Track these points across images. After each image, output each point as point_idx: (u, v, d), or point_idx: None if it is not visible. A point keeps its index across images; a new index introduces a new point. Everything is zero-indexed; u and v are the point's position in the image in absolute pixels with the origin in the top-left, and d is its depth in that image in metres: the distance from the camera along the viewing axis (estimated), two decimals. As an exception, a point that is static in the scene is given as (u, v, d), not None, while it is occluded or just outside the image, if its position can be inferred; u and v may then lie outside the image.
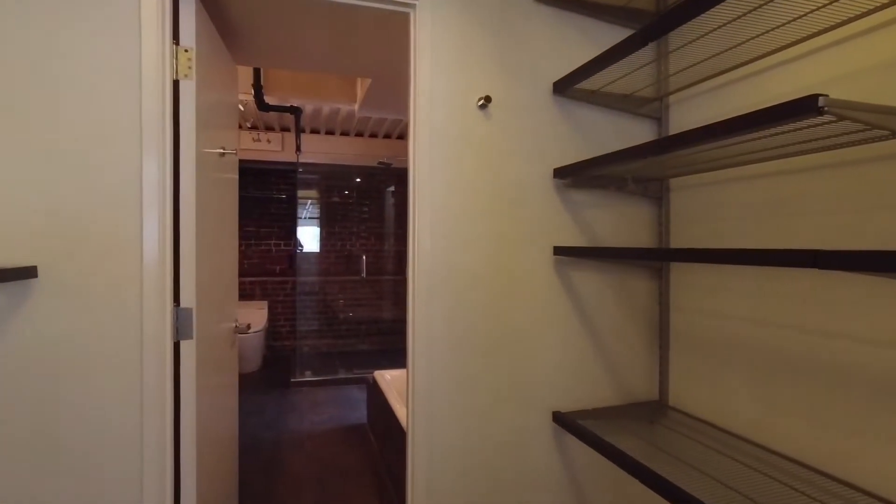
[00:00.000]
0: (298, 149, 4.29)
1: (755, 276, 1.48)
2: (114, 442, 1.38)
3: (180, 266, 1.50)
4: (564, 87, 1.70)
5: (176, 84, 1.46)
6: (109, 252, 1.37)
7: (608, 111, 1.80)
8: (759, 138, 1.15)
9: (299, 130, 3.62)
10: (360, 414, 3.81)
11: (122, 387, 1.38)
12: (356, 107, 3.35)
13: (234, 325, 2.13)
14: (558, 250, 1.71)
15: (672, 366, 1.81)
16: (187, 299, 1.50)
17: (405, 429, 2.39)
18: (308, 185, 5.56)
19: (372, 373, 3.53)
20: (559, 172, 1.70)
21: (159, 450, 1.41)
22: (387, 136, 5.43)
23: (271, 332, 5.40)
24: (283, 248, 5.51)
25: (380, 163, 5.14)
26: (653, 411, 1.78)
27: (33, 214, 1.31)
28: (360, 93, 3.22)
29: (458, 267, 1.65)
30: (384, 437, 2.98)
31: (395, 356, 4.96)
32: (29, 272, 1.27)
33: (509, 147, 1.69)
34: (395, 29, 1.77)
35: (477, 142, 1.66)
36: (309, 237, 5.61)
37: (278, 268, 5.48)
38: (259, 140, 4.86)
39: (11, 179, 1.29)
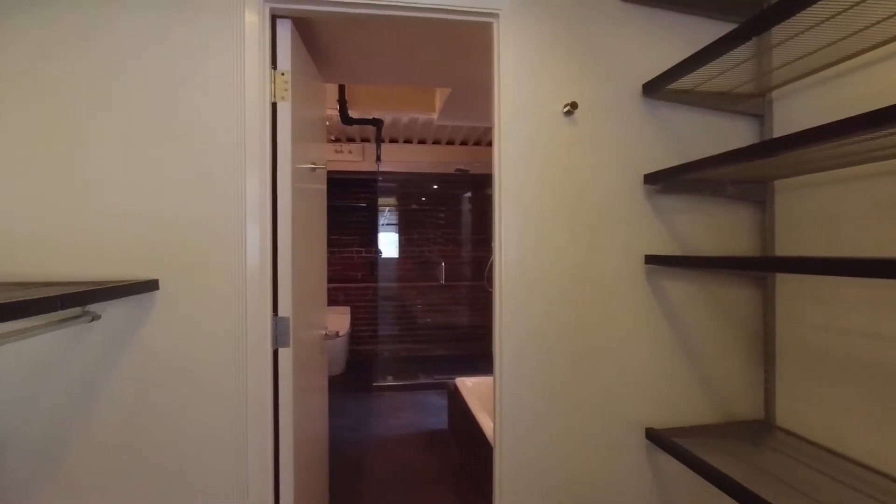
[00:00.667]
0: (378, 158, 4.43)
1: (872, 285, 1.33)
2: (222, 444, 1.48)
3: (278, 277, 1.58)
4: (655, 89, 1.62)
5: (273, 106, 1.56)
6: (216, 265, 1.47)
7: (702, 111, 1.70)
8: (889, 135, 1.04)
9: (380, 141, 3.73)
10: (438, 420, 3.84)
11: (229, 390, 1.48)
12: (435, 116, 3.41)
13: (323, 332, 2.23)
14: (650, 259, 1.64)
15: (779, 382, 1.67)
16: (284, 309, 1.59)
17: (490, 440, 2.39)
18: (387, 193, 5.71)
19: (452, 379, 3.56)
20: (650, 178, 1.63)
21: (262, 449, 1.50)
22: (463, 143, 5.47)
23: (354, 336, 5.59)
24: (363, 255, 5.70)
25: (457, 170, 5.18)
26: (757, 432, 1.65)
27: (152, 232, 1.44)
28: (438, 102, 3.27)
29: (546, 276, 1.63)
30: (465, 444, 2.99)
31: (474, 362, 4.97)
32: (151, 285, 1.39)
33: (597, 153, 1.64)
34: (477, 39, 1.78)
35: (563, 148, 1.63)
36: (388, 244, 5.76)
37: (359, 274, 5.68)
38: (341, 151, 5.07)
39: (134, 203, 1.43)
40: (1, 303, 0.81)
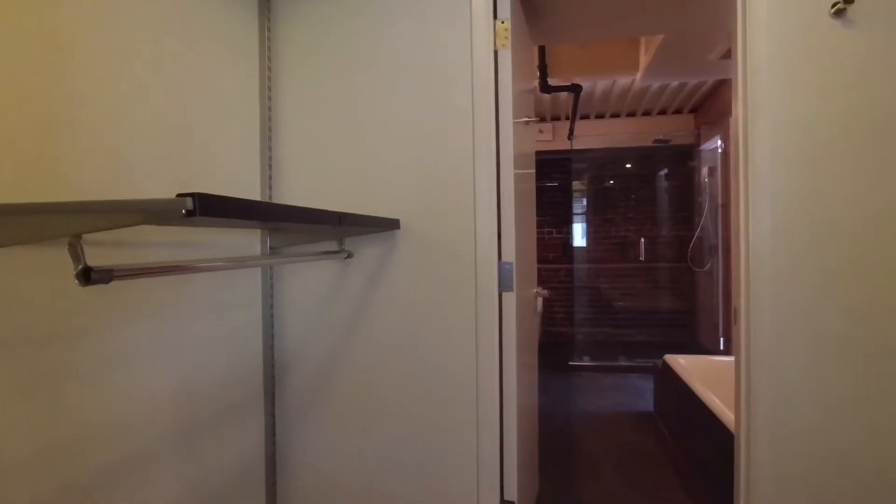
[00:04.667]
0: (571, 132, 4.32)
1: None
2: (460, 372, 1.58)
3: (501, 223, 1.62)
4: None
5: (496, 54, 1.60)
6: (449, 210, 1.57)
7: None
8: None
9: (576, 112, 3.63)
10: (645, 402, 3.60)
11: (463, 328, 1.57)
12: (638, 75, 3.19)
13: (535, 290, 2.24)
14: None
15: None
16: (508, 255, 1.62)
17: (719, 417, 2.15)
18: (580, 172, 5.56)
19: (655, 362, 3.31)
20: (962, 83, 1.27)
21: (490, 384, 1.57)
22: (662, 113, 5.05)
23: (547, 317, 5.57)
24: (555, 235, 5.63)
25: (656, 140, 4.81)
26: None
27: (396, 179, 1.59)
28: (643, 59, 3.06)
29: (808, 195, 1.38)
30: (681, 424, 2.75)
31: (677, 349, 4.55)
32: (395, 224, 1.55)
33: (881, 64, 1.34)
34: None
35: (831, 64, 1.37)
36: (580, 224, 5.61)
37: (551, 255, 5.63)
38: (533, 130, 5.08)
39: (387, 154, 1.60)
40: (302, 210, 0.97)
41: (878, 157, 1.34)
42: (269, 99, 1.67)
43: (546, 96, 4.50)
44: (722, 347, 4.28)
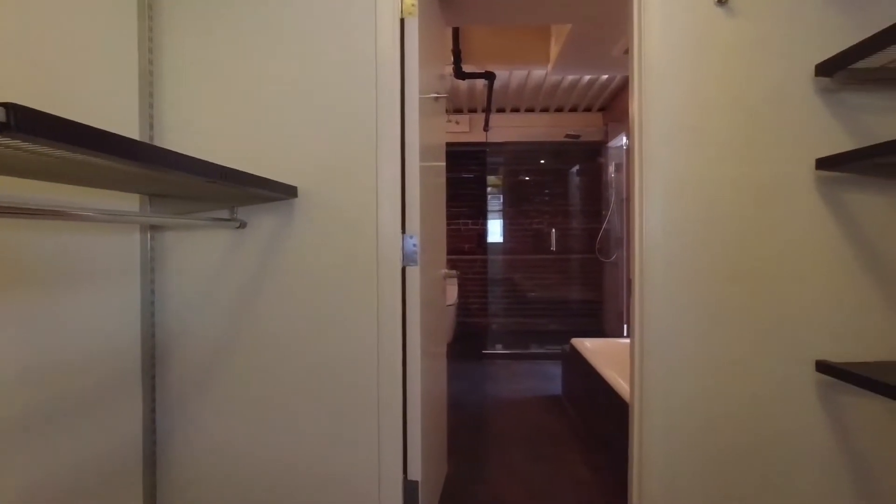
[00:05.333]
0: (487, 123, 4.37)
1: None
2: (361, 352, 1.51)
3: (406, 196, 1.58)
4: (830, -36, 1.39)
5: (402, 23, 1.55)
6: (350, 178, 1.50)
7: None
8: None
9: (491, 99, 3.66)
10: (555, 386, 3.72)
11: (365, 304, 1.51)
12: (550, 66, 3.28)
13: (443, 270, 2.22)
14: (823, 164, 1.40)
15: None
16: (412, 228, 1.58)
17: (619, 393, 2.25)
18: (496, 165, 5.65)
19: (567, 347, 3.43)
20: (825, 68, 1.39)
21: (392, 362, 1.51)
22: (573, 110, 5.25)
23: (462, 308, 5.61)
24: (471, 227, 5.69)
25: (567, 136, 4.98)
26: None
27: (300, 143, 1.50)
28: (554, 49, 3.14)
29: (698, 178, 1.46)
30: (587, 404, 2.85)
31: (588, 336, 4.75)
32: (291, 191, 1.46)
33: (760, 49, 1.44)
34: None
35: (715, 45, 1.45)
36: (496, 216, 5.70)
37: (467, 246, 5.68)
38: (450, 121, 5.09)
39: (285, 116, 1.50)
40: (172, 154, 0.86)
41: (757, 139, 1.44)
42: (151, 51, 1.50)
43: (463, 87, 4.52)
44: (626, 333, 4.53)
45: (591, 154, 5.43)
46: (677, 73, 1.45)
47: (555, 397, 3.49)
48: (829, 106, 1.43)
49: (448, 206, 5.83)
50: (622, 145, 4.56)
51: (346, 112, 1.50)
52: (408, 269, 1.57)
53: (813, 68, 1.42)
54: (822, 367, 1.40)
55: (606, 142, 4.90)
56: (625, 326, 4.57)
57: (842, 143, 1.43)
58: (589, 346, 3.07)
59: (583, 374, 2.90)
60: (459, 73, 3.13)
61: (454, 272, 2.25)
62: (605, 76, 4.24)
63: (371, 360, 1.51)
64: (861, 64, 1.32)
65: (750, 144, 1.44)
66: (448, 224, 5.82)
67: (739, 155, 1.44)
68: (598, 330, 5.40)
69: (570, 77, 4.20)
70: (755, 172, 1.44)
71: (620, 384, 2.34)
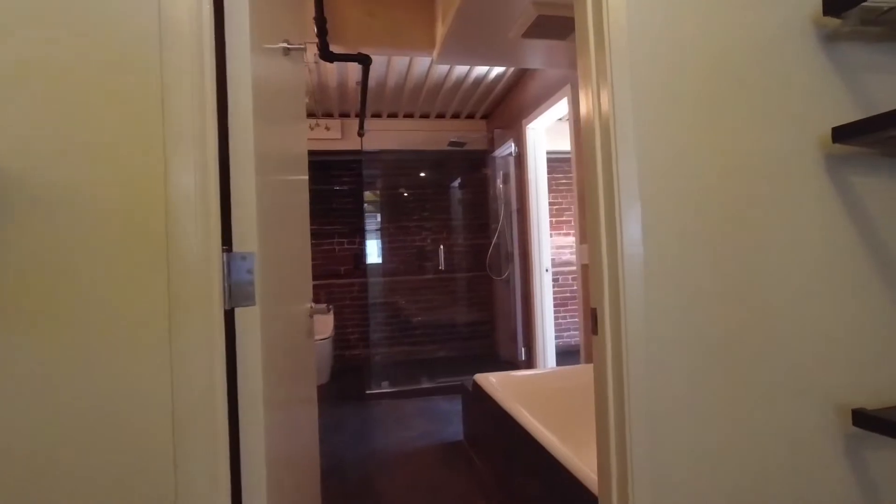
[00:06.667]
0: (362, 125, 3.76)
1: None
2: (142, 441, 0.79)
3: (231, 195, 0.91)
4: None
5: None
6: (116, 141, 0.80)
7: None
8: None
9: (366, 92, 3.05)
10: (454, 429, 3.16)
11: (145, 376, 0.80)
12: (435, 52, 2.78)
13: (309, 305, 1.55)
14: (840, 134, 1.01)
15: None
16: (243, 241, 0.92)
17: (538, 440, 1.77)
18: (373, 176, 5.03)
19: (460, 381, 2.91)
20: (832, 6, 1.02)
21: (207, 472, 0.82)
22: (455, 116, 4.86)
23: (339, 340, 4.86)
24: (346, 246, 4.99)
25: (451, 143, 4.56)
26: None
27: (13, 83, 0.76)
28: (440, 30, 2.65)
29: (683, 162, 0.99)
30: (498, 454, 2.33)
31: (482, 363, 4.28)
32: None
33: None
34: None
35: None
36: (374, 233, 5.07)
37: (342, 269, 4.97)
38: (319, 126, 4.39)
39: None
40: None
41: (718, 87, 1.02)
42: None
43: (333, 84, 3.88)
44: (522, 357, 4.13)
45: (476, 164, 5.06)
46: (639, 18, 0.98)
47: (455, 444, 2.92)
48: (834, 60, 1.05)
49: (319, 224, 5.09)
50: (510, 153, 4.22)
51: (104, 25, 0.80)
52: (239, 311, 0.90)
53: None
54: (860, 418, 0.99)
55: (492, 151, 4.55)
56: (521, 349, 4.18)
57: (851, 112, 1.06)
58: (495, 382, 2.56)
59: (491, 416, 2.37)
60: (326, 54, 2.50)
61: (324, 306, 1.59)
62: (493, 74, 3.88)
63: (162, 448, 0.80)
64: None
65: (739, 104, 1.01)
66: (320, 244, 5.06)
67: (723, 116, 1.01)
68: (492, 354, 4.98)
69: (456, 73, 3.77)
70: (740, 139, 1.01)
71: (543, 433, 1.85)
